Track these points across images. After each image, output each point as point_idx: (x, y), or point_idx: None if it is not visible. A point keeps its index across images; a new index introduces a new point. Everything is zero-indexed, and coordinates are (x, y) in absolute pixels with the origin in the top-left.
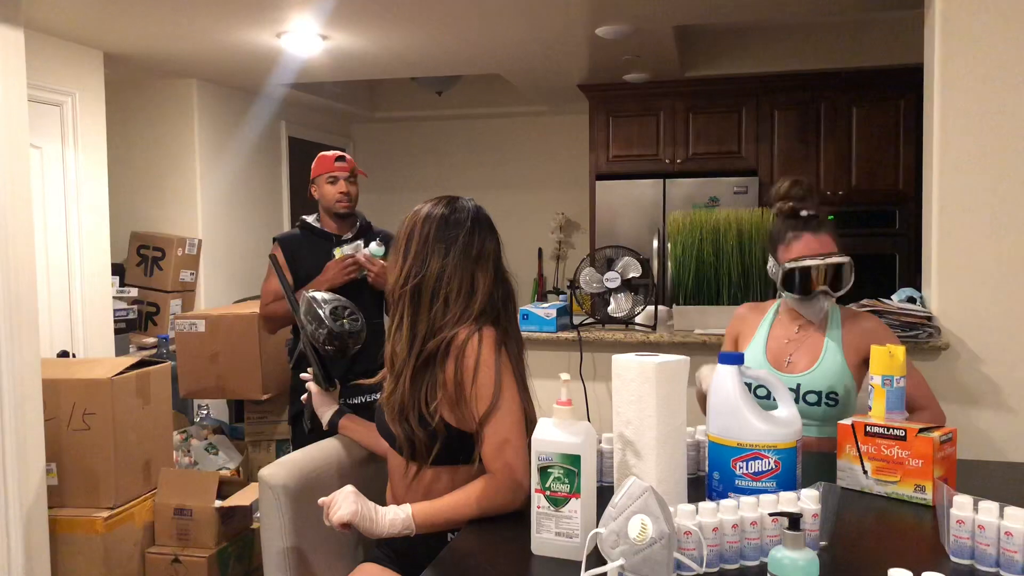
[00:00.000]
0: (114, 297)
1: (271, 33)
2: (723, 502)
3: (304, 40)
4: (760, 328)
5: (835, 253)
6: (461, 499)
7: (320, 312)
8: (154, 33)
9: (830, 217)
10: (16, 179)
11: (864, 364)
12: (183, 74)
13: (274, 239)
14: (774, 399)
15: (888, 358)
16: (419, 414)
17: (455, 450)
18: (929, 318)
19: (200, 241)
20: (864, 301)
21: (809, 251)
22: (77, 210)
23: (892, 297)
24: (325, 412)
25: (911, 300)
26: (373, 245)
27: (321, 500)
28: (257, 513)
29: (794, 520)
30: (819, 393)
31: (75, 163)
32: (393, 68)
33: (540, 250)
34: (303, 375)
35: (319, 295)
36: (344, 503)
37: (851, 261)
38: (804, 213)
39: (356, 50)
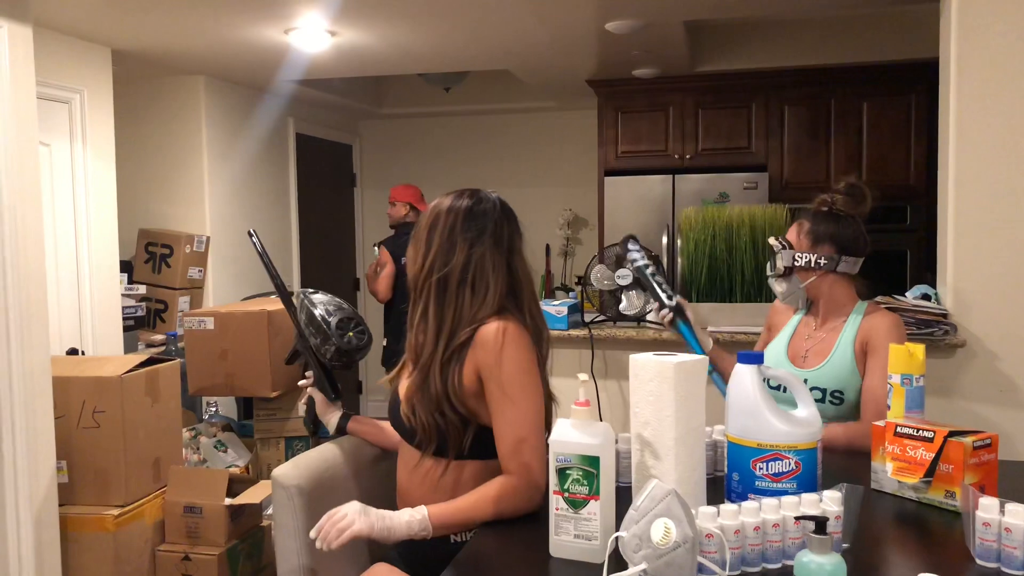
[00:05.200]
0: (122, 294)
1: (279, 29)
2: (744, 504)
3: (312, 36)
4: (791, 322)
5: (782, 240)
6: (478, 500)
7: (325, 327)
8: (162, 30)
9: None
10: (26, 177)
11: (864, 355)
12: (191, 71)
13: None
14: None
15: (908, 357)
16: (451, 406)
17: (486, 443)
18: (945, 315)
19: (208, 238)
20: (878, 298)
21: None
22: (86, 207)
23: (907, 294)
24: (331, 418)
25: (926, 297)
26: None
27: (325, 519)
28: (267, 511)
29: (820, 523)
30: (824, 391)
31: (83, 160)
32: (401, 64)
33: (548, 246)
34: (302, 381)
35: (318, 298)
36: (358, 519)
37: (776, 246)
38: (823, 208)
39: (364, 46)
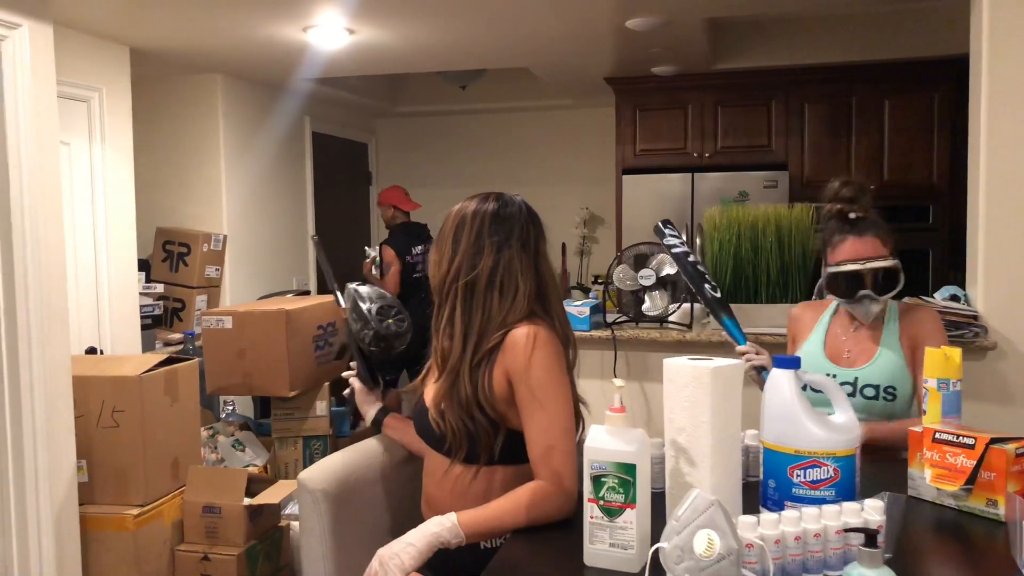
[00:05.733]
0: (140, 293)
1: (297, 27)
2: (785, 513)
3: (330, 34)
4: (819, 325)
5: (880, 256)
6: (509, 506)
7: (365, 311)
8: (180, 28)
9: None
10: (47, 176)
11: (913, 353)
12: (209, 69)
13: None
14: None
15: (944, 360)
16: (481, 410)
17: (517, 448)
18: (975, 317)
19: (225, 237)
20: (907, 299)
21: (853, 254)
22: (104, 206)
23: (935, 295)
24: (368, 410)
25: (955, 298)
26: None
27: None
28: (286, 511)
29: (871, 536)
30: (876, 387)
31: (102, 159)
32: (419, 62)
33: (564, 245)
34: (345, 372)
35: (363, 289)
36: (390, 568)
37: (897, 264)
38: (852, 215)
39: (382, 44)
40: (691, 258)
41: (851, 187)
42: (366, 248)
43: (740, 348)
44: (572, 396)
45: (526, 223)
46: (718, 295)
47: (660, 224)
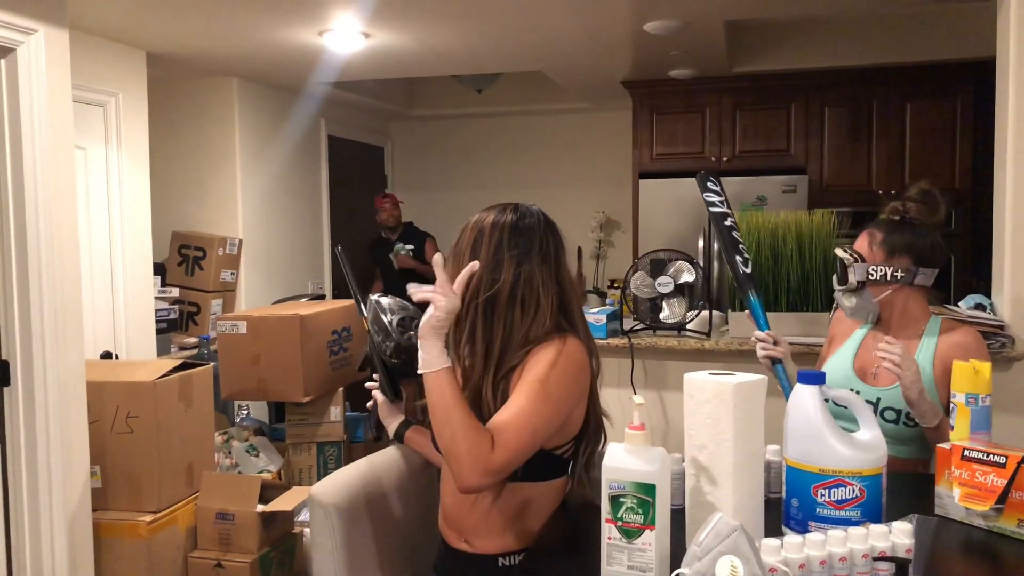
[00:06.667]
0: (156, 297)
1: (313, 31)
2: (810, 536)
3: (346, 38)
4: (856, 333)
5: (856, 253)
6: (461, 415)
7: (387, 323)
8: (197, 32)
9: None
10: (62, 180)
11: (947, 377)
12: (225, 73)
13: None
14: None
15: (973, 374)
16: None
17: (543, 465)
18: (1001, 326)
19: (241, 241)
20: (932, 309)
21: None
22: (120, 210)
23: (960, 304)
24: (391, 422)
25: (980, 307)
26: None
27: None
28: (299, 518)
29: (902, 566)
30: (898, 412)
31: (118, 163)
32: (435, 66)
33: (580, 249)
34: (368, 384)
35: (385, 301)
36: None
37: (847, 259)
38: (895, 217)
39: (398, 48)
40: (728, 221)
41: (917, 192)
42: (402, 244)
43: (758, 334)
44: (562, 415)
45: (545, 234)
46: (748, 271)
47: (703, 174)
